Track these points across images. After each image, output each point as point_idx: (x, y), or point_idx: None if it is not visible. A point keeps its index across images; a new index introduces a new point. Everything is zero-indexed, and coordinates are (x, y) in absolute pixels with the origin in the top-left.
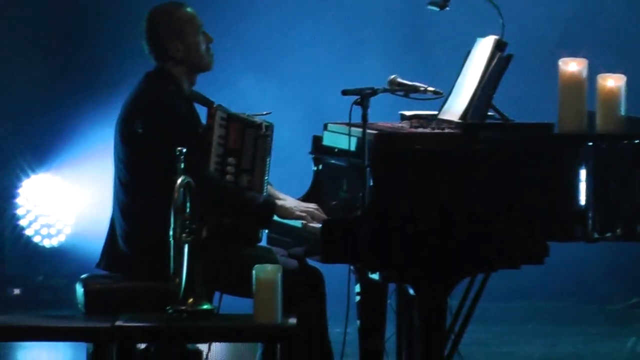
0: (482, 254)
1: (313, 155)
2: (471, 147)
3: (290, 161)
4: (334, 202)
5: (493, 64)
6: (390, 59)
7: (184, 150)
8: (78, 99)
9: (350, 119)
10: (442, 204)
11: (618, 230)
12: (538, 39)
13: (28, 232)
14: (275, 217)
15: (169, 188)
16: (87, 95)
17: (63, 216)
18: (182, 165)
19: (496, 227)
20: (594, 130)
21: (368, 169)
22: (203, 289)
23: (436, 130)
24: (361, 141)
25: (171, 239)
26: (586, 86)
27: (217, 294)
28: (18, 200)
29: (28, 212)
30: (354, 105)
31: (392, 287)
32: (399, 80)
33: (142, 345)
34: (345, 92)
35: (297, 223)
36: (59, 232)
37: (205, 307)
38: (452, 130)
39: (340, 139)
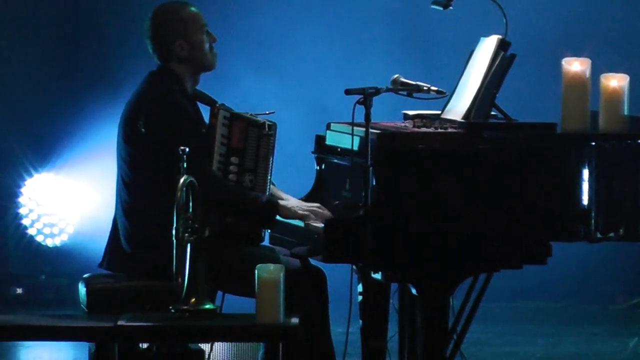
0: (485, 253)
1: (316, 155)
2: (474, 146)
3: (293, 160)
4: (336, 202)
5: (496, 63)
6: (393, 58)
7: (187, 149)
8: (81, 98)
9: (353, 118)
10: (445, 204)
11: (621, 230)
12: (541, 39)
13: (31, 231)
14: (278, 217)
15: (171, 187)
16: (90, 94)
17: (66, 215)
18: (185, 165)
19: (498, 226)
20: (597, 130)
21: (371, 168)
22: (205, 288)
23: (439, 130)
24: (364, 141)
25: (174, 238)
26: (589, 86)
27: (219, 294)
28: (21, 199)
29: (31, 211)
30: (357, 105)
31: (394, 286)
32: (402, 79)
33: (145, 345)
34: (348, 92)
35: (300, 222)
36: (61, 231)
37: (207, 306)
38: (455, 130)
39: (343, 139)
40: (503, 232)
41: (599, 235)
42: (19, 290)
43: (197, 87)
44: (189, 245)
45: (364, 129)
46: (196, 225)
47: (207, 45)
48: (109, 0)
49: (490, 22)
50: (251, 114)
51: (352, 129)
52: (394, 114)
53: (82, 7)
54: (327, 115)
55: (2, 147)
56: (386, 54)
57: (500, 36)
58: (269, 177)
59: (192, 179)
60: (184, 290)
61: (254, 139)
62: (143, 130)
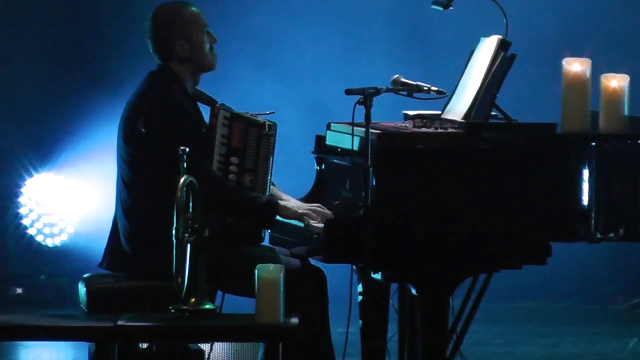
0: (485, 254)
1: (316, 155)
2: (474, 146)
3: (293, 160)
4: (336, 202)
5: (496, 63)
6: (393, 58)
7: (187, 149)
8: (81, 98)
9: (353, 118)
10: (445, 204)
11: (621, 231)
12: (541, 39)
13: (31, 231)
14: (278, 217)
15: (171, 187)
16: (90, 94)
17: (66, 215)
18: (185, 165)
19: (498, 227)
20: (597, 130)
21: (371, 168)
22: (205, 288)
23: (439, 130)
24: (364, 141)
25: (174, 238)
26: (589, 86)
27: (219, 294)
28: (21, 199)
29: (31, 211)
30: (357, 105)
31: (394, 286)
32: (402, 79)
33: (145, 345)
34: (348, 92)
35: (300, 222)
36: (61, 231)
37: (207, 306)
38: (455, 130)
39: (343, 139)
40: (503, 233)
41: (599, 236)
42: (19, 290)
43: (197, 87)
44: (189, 245)
45: (364, 129)
46: (196, 225)
47: (207, 46)
48: (109, 0)
49: (491, 22)
50: (251, 114)
51: (352, 129)
52: (394, 114)
53: (82, 7)
54: (327, 115)
55: (2, 147)
56: (386, 54)
57: (500, 36)
58: (269, 177)
59: (192, 179)
60: (184, 290)
61: (254, 139)
62: (143, 130)
